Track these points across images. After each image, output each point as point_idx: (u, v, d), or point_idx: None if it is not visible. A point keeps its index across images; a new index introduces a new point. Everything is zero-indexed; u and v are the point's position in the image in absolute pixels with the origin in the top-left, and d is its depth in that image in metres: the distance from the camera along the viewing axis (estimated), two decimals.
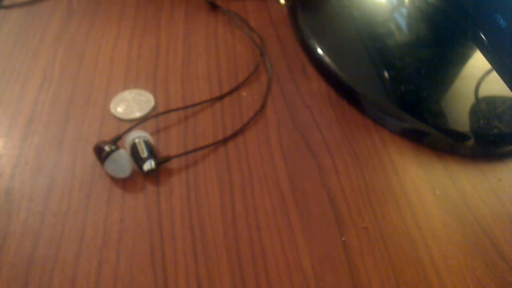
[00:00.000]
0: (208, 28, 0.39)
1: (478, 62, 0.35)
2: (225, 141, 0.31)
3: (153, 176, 0.29)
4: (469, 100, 0.33)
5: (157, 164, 0.28)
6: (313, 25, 0.38)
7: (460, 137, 0.31)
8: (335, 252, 0.26)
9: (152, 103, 0.33)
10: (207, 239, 0.26)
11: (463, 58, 0.36)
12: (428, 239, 0.27)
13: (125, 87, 0.34)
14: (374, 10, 0.38)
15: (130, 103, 0.32)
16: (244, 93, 0.34)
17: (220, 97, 0.34)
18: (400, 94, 0.33)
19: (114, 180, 0.28)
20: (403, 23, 0.38)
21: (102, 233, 0.26)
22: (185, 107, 0.32)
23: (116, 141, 0.29)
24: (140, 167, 0.28)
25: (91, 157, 0.29)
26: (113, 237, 0.26)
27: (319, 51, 0.36)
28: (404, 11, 0.38)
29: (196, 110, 0.33)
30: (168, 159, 0.29)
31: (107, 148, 0.28)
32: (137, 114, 0.32)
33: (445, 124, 0.31)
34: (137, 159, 0.28)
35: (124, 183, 0.28)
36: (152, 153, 0.28)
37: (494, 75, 0.33)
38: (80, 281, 0.24)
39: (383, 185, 0.29)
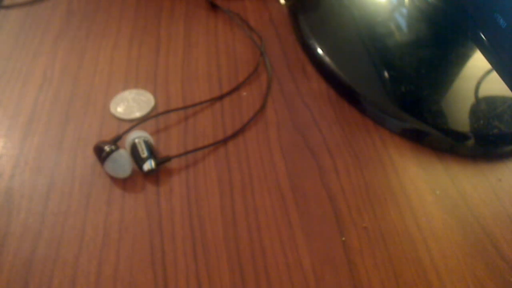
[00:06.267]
0: (208, 28, 0.39)
1: (478, 62, 0.35)
2: (225, 141, 0.31)
3: (153, 176, 0.29)
4: (469, 100, 0.33)
5: (157, 164, 0.28)
6: (313, 25, 0.38)
7: (460, 137, 0.31)
8: (335, 252, 0.26)
9: (152, 103, 0.33)
10: (207, 239, 0.26)
11: (463, 58, 0.36)
12: (428, 239, 0.27)
13: (125, 87, 0.34)
14: (374, 10, 0.38)
15: (130, 103, 0.32)
16: (244, 93, 0.34)
17: (220, 97, 0.34)
18: (400, 94, 0.33)
19: (114, 180, 0.28)
20: (403, 23, 0.38)
21: (102, 233, 0.26)
22: (185, 107, 0.32)
23: (116, 141, 0.29)
24: (140, 167, 0.28)
25: (91, 157, 0.29)
26: (113, 237, 0.26)
27: (319, 51, 0.36)
28: (404, 11, 0.38)
29: (196, 110, 0.33)
30: (168, 159, 0.29)
31: (107, 148, 0.28)
32: (137, 114, 0.32)
33: (445, 124, 0.31)
34: (137, 159, 0.28)
35: (124, 183, 0.28)
36: (152, 153, 0.28)
37: (494, 75, 0.33)
38: (80, 281, 0.24)
39: (383, 185, 0.29)
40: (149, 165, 0.28)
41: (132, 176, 0.28)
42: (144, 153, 0.28)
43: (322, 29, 0.38)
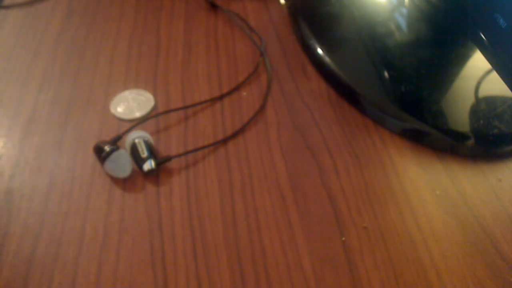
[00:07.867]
0: (208, 28, 0.39)
1: (478, 62, 0.35)
2: (225, 141, 0.31)
3: (153, 176, 0.29)
4: (469, 100, 0.33)
5: (157, 164, 0.28)
6: (313, 25, 0.38)
7: (460, 137, 0.31)
8: (335, 252, 0.26)
9: (152, 103, 0.33)
10: (207, 239, 0.26)
11: (463, 58, 0.36)
12: (428, 239, 0.27)
13: (125, 87, 0.34)
14: (374, 10, 0.38)
15: (130, 103, 0.32)
16: (244, 93, 0.34)
17: (220, 97, 0.34)
18: (400, 94, 0.33)
19: (114, 180, 0.28)
20: (403, 23, 0.38)
21: (102, 233, 0.26)
22: (185, 107, 0.32)
23: (116, 141, 0.29)
24: (140, 167, 0.28)
25: (91, 157, 0.29)
26: (113, 237, 0.26)
27: (319, 51, 0.36)
28: (404, 11, 0.38)
29: (196, 110, 0.33)
30: (168, 159, 0.29)
31: (107, 148, 0.28)
32: (137, 114, 0.32)
33: (445, 124, 0.31)
34: (137, 159, 0.28)
35: (124, 183, 0.28)
36: (152, 153, 0.28)
37: (494, 75, 0.33)
38: (80, 281, 0.24)
39: (383, 185, 0.29)
40: (149, 165, 0.28)
41: (132, 176, 0.28)
42: (144, 153, 0.28)
43: (322, 29, 0.38)
